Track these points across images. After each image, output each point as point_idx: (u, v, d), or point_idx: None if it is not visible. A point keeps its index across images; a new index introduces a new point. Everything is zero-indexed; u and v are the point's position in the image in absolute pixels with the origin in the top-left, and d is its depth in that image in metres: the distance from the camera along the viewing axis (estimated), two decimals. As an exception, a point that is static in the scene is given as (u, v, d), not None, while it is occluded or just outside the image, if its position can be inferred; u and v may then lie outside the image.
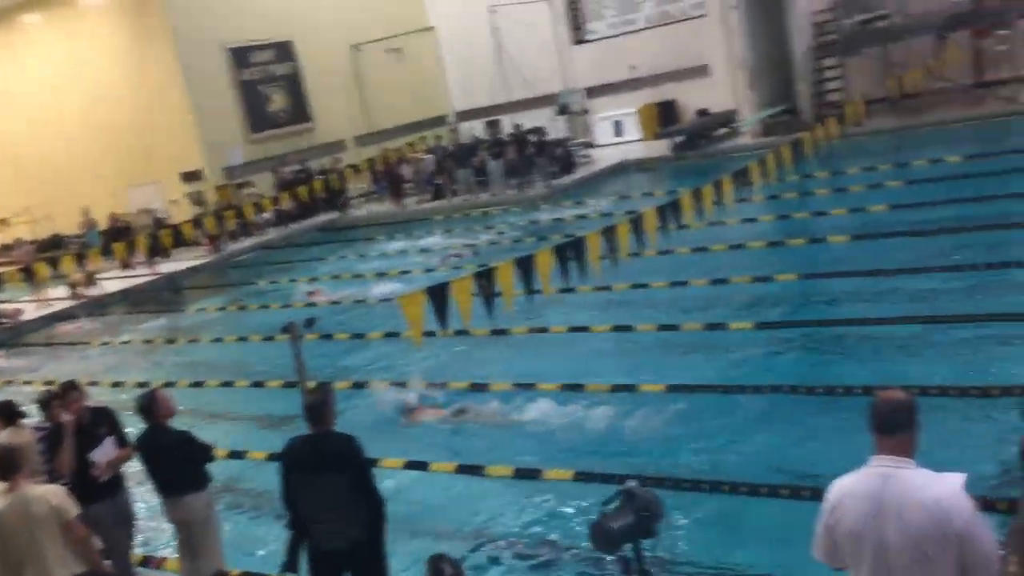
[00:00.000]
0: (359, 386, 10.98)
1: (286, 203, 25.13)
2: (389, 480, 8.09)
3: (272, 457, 7.76)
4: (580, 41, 28.79)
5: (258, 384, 11.81)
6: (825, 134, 14.97)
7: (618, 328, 11.13)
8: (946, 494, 3.36)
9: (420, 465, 8.34)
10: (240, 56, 26.92)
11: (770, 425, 7.94)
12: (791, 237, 13.90)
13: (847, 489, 3.57)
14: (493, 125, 29.41)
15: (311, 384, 7.20)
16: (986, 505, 5.10)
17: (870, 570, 3.48)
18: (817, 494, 3.79)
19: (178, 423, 6.59)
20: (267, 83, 27.65)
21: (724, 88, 25.82)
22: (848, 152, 18.50)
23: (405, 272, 16.94)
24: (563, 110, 28.37)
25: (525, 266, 8.91)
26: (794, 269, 12.15)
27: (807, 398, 8.08)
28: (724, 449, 7.66)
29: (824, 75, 23.69)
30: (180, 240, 24.32)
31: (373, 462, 7.70)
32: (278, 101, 27.91)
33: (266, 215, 25.24)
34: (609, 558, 5.44)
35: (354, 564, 5.40)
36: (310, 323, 8.23)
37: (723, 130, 25.09)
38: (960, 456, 6.31)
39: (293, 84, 28.19)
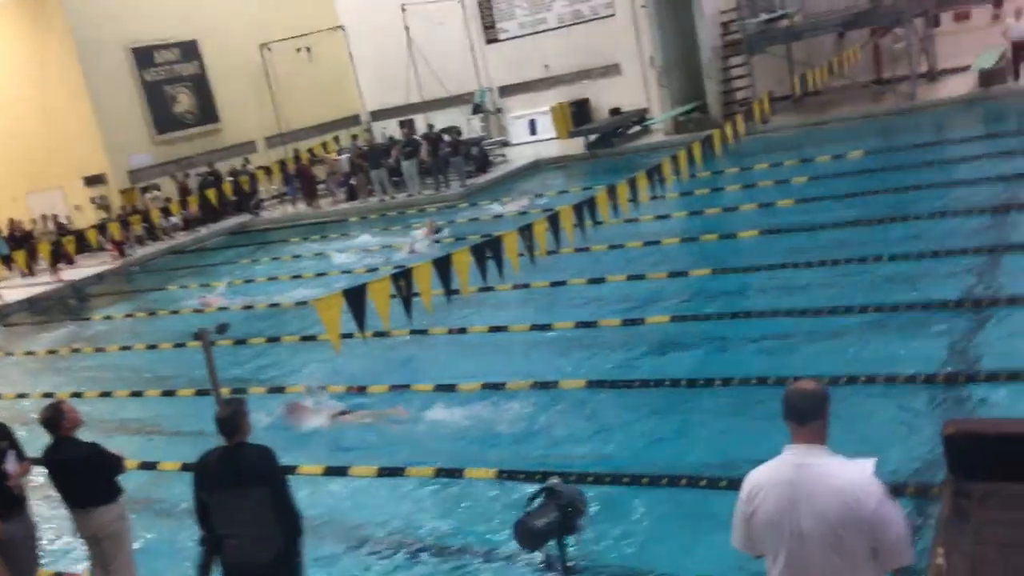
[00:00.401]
0: (276, 391, 10.77)
1: (195, 206, 24.53)
2: (308, 486, 7.98)
3: (186, 468, 7.55)
4: (492, 40, 28.84)
5: (169, 393, 11.49)
6: (733, 131, 15.31)
7: (537, 326, 11.18)
8: (857, 480, 3.45)
9: (340, 470, 8.22)
10: (143, 56, 26.17)
11: (688, 417, 8.07)
12: (704, 233, 14.17)
13: (763, 478, 3.64)
14: (407, 125, 29.23)
15: (224, 392, 7.03)
16: (895, 490, 5.27)
17: (787, 557, 3.55)
18: (735, 484, 3.86)
19: (86, 435, 6.36)
20: (172, 83, 26.93)
21: (635, 86, 26.23)
22: (756, 149, 18.97)
23: (321, 275, 16.70)
24: (477, 109, 28.38)
25: (443, 267, 8.87)
26: (707, 264, 12.40)
27: (723, 390, 8.24)
28: (644, 443, 7.75)
29: (731, 73, 24.27)
30: (84, 246, 23.56)
31: (291, 469, 7.60)
32: (184, 102, 27.21)
33: (174, 219, 24.58)
34: (533, 555, 5.46)
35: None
36: (222, 329, 8.01)
37: (635, 128, 25.46)
38: (869, 442, 6.53)
39: (200, 84, 27.52)
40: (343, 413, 9.53)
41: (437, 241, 17.49)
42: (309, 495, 7.93)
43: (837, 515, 3.41)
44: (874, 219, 12.48)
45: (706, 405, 8.15)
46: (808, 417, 3.55)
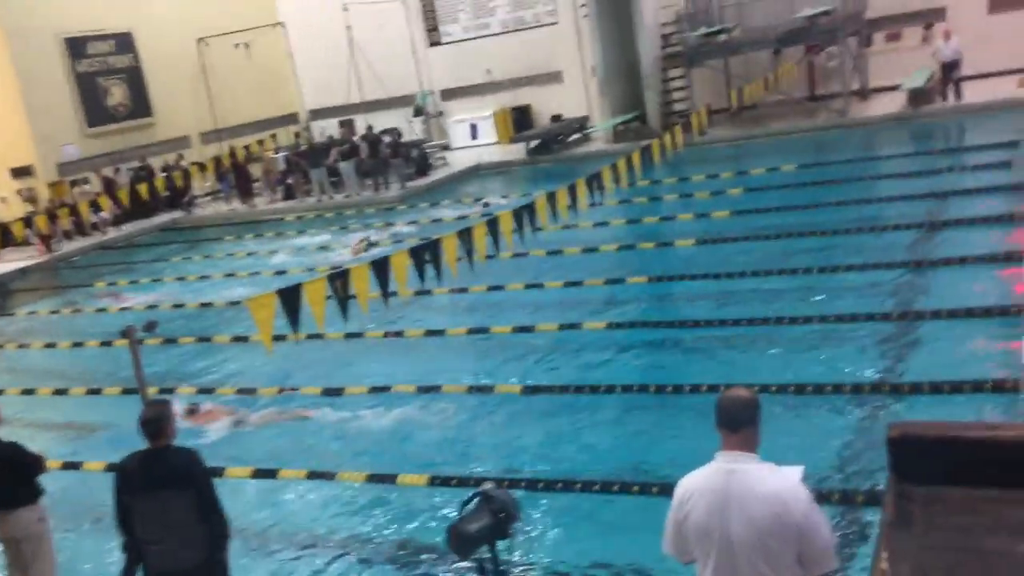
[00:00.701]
0: (206, 392, 10.56)
1: (126, 201, 23.93)
2: (236, 490, 7.83)
3: (110, 468, 7.34)
4: (435, 43, 28.77)
5: (94, 391, 11.16)
6: (672, 142, 15.49)
7: (474, 330, 11.16)
8: (785, 487, 3.51)
9: (268, 473, 8.09)
10: (76, 47, 25.45)
11: (623, 424, 8.13)
12: (641, 241, 14.31)
13: (695, 484, 3.67)
14: (347, 125, 28.95)
15: (152, 392, 6.86)
16: (821, 497, 5.38)
17: (716, 563, 3.59)
18: (666, 490, 3.89)
19: (6, 434, 6.15)
20: (106, 75, 26.24)
21: (577, 94, 26.40)
22: (693, 160, 19.24)
23: (255, 274, 16.44)
24: (418, 112, 28.27)
25: (380, 268, 8.78)
26: (645, 272, 12.53)
27: (657, 397, 8.32)
28: (579, 448, 7.79)
29: (671, 85, 24.60)
30: (9, 240, 22.84)
31: (218, 472, 7.45)
32: (117, 94, 26.54)
33: (104, 214, 23.95)
34: (465, 561, 5.43)
35: None
36: (151, 327, 7.86)
37: (576, 135, 25.63)
38: (798, 450, 6.65)
39: (134, 77, 26.87)
40: (240, 421, 9.41)
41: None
42: (236, 499, 7.80)
43: (765, 521, 3.46)
44: (807, 231, 12.74)
45: (641, 411, 8.22)
46: (739, 424, 3.59)
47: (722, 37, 22.39)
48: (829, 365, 8.42)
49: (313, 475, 7.93)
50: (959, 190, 13.48)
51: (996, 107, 18.90)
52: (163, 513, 4.97)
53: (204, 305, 14.89)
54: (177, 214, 25.24)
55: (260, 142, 27.78)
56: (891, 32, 23.41)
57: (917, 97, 20.23)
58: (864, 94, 22.88)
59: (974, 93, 19.84)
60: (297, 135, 28.00)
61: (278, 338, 8.37)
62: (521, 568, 5.95)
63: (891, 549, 1.84)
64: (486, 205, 19.11)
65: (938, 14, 22.46)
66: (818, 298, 10.22)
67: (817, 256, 11.64)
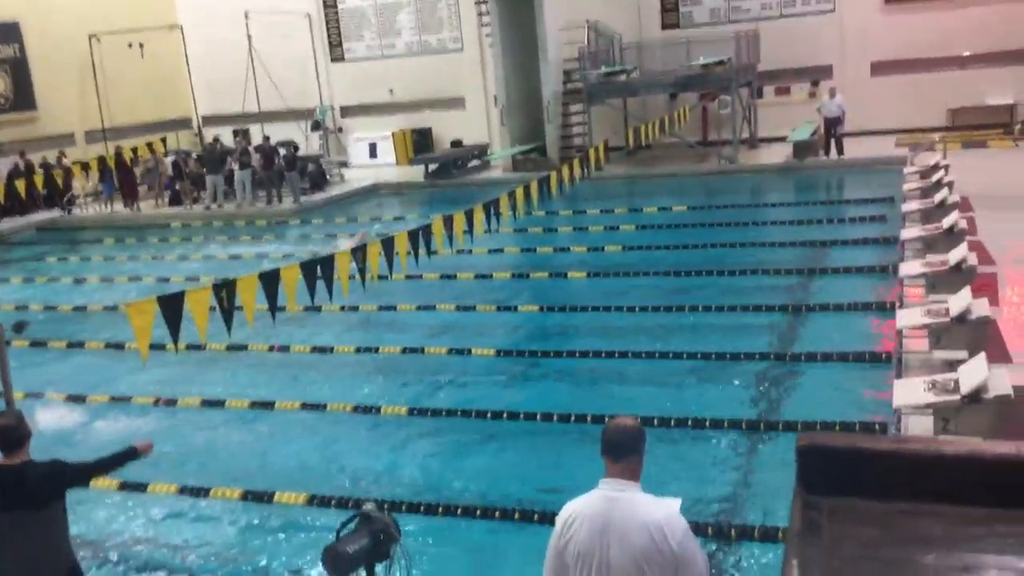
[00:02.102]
0: (76, 400, 10.07)
1: (1, 196, 22.69)
2: (101, 504, 7.49)
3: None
4: (338, 59, 28.53)
5: (-49, 395, 10.49)
6: (569, 175, 15.74)
7: (363, 349, 11.02)
8: (664, 517, 3.57)
9: (138, 487, 7.75)
10: (-43, 31, 24.20)
11: (507, 450, 8.14)
12: (535, 270, 14.45)
13: (577, 511, 3.70)
14: (242, 134, 28.32)
15: (17, 398, 6.49)
16: (697, 528, 5.49)
17: (594, 589, 3.61)
18: (547, 518, 3.92)
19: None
20: (-14, 63, 25.01)
21: (478, 121, 26.59)
22: (589, 194, 19.59)
23: (135, 279, 15.84)
24: (317, 126, 27.91)
25: (270, 281, 8.56)
26: (536, 301, 12.64)
27: (542, 424, 8.37)
28: (462, 473, 7.75)
29: (571, 120, 25.05)
30: None
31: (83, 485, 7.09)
32: (-1, 84, 25.32)
33: (-25, 208, 22.69)
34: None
35: None
36: (20, 328, 7.45)
37: (475, 162, 25.78)
38: (677, 481, 6.80)
39: (18, 68, 25.68)
40: None
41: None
42: (100, 513, 7.45)
43: (642, 548, 3.51)
44: (693, 271, 13.12)
45: (525, 439, 8.25)
46: (624, 454, 3.64)
47: (622, 78, 22.97)
48: (709, 400, 8.65)
49: (185, 491, 7.64)
50: (837, 240, 14.14)
51: (874, 164, 19.96)
52: (27, 533, 4.60)
53: (78, 309, 14.24)
54: (55, 213, 24.13)
55: (149, 144, 26.84)
56: (781, 86, 24.53)
57: (802, 149, 21.19)
58: (753, 143, 23.84)
59: (855, 149, 20.91)
60: (201, 139, 27.19)
61: (156, 347, 8.06)
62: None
63: (800, 557, 1.89)
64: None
65: (825, 72, 23.67)
66: (702, 334, 10.50)
67: (702, 294, 11.98)
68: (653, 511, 3.58)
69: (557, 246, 16.12)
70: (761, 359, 9.56)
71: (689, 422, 7.97)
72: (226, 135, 28.12)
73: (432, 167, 24.84)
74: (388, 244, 10.28)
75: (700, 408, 8.32)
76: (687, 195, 19.38)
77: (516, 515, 6.70)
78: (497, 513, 6.78)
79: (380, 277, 10.48)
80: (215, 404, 9.56)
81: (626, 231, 16.46)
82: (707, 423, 7.99)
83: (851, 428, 7.36)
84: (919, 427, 6.71)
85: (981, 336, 7.78)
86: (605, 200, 19.44)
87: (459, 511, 6.89)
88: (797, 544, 1.98)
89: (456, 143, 26.61)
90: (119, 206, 24.40)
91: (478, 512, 6.83)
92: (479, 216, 12.13)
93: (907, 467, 2.03)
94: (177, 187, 23.93)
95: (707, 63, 21.82)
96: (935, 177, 14.10)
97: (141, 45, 27.09)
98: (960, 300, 7.96)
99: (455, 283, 13.76)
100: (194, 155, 24.80)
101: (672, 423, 7.96)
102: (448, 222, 11.44)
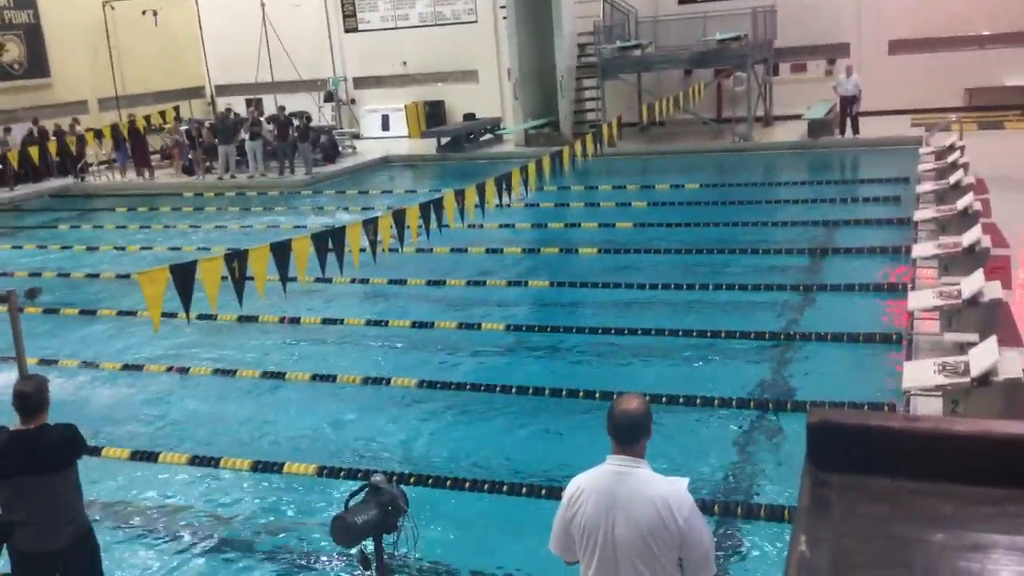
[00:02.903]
0: (89, 366, 10.16)
1: (16, 163, 22.78)
2: (114, 472, 7.57)
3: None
4: (351, 30, 28.39)
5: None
6: (582, 150, 15.68)
7: (373, 322, 11.06)
8: (671, 493, 3.59)
9: (149, 455, 7.82)
10: (-29, -2, 24.18)
11: (515, 425, 8.17)
12: (545, 246, 14.43)
13: (584, 485, 3.72)
14: (254, 104, 28.27)
15: (31, 363, 6.54)
16: (703, 507, 5.52)
17: (599, 563, 3.65)
18: (554, 493, 3.94)
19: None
20: (2, 31, 24.97)
21: (491, 95, 26.47)
22: (601, 170, 19.52)
23: (147, 248, 15.91)
24: (330, 98, 27.83)
25: (281, 252, 8.58)
26: (546, 276, 12.64)
27: (551, 399, 8.40)
28: (471, 446, 7.79)
29: (584, 95, 24.90)
30: None
31: (96, 451, 7.18)
32: (13, 51, 25.31)
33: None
34: (349, 552, 5.37)
35: (68, 565, 4.91)
36: (33, 293, 7.49)
37: (488, 135, 25.68)
38: (684, 459, 6.82)
39: (32, 35, 25.68)
40: None
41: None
42: (114, 480, 7.53)
43: (648, 524, 3.53)
44: (704, 249, 13.08)
45: (535, 414, 8.28)
46: (632, 431, 3.66)
47: (636, 52, 22.79)
48: (717, 378, 8.65)
49: (195, 460, 7.71)
50: (850, 220, 14.06)
51: (889, 144, 19.80)
52: (41, 494, 4.72)
53: (91, 276, 14.32)
54: (69, 181, 24.19)
55: (162, 113, 26.86)
56: (797, 63, 24.31)
57: (817, 128, 21.03)
58: (768, 121, 23.66)
59: (870, 129, 20.74)
60: (214, 108, 27.17)
61: (167, 316, 8.11)
62: (406, 562, 5.91)
63: (808, 532, 1.90)
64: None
65: (842, 50, 23.44)
66: (713, 313, 10.49)
67: (713, 272, 11.96)
68: (660, 487, 3.60)
69: (568, 222, 16.08)
70: (771, 338, 9.54)
71: (697, 400, 7.98)
72: (239, 105, 28.07)
73: (444, 140, 24.76)
74: (399, 217, 10.28)
75: (709, 386, 8.32)
76: (700, 172, 19.28)
77: (524, 489, 6.74)
78: (505, 487, 6.82)
79: (391, 250, 10.51)
80: (226, 373, 9.63)
81: (638, 208, 16.40)
82: (715, 401, 8.00)
83: (860, 409, 7.35)
84: (928, 409, 6.70)
85: (993, 319, 7.74)
86: (617, 176, 19.37)
87: (467, 484, 6.93)
88: (806, 520, 1.98)
89: (469, 116, 26.51)
90: (132, 174, 24.44)
91: (486, 486, 6.87)
92: (491, 190, 12.11)
93: (918, 445, 2.03)
94: (190, 156, 23.94)
95: (723, 39, 21.62)
96: (950, 158, 13.98)
97: (155, 13, 27.02)
98: (972, 282, 7.92)
99: (466, 257, 13.76)
100: (207, 124, 24.77)
101: (680, 400, 7.97)
102: (459, 195, 11.42)
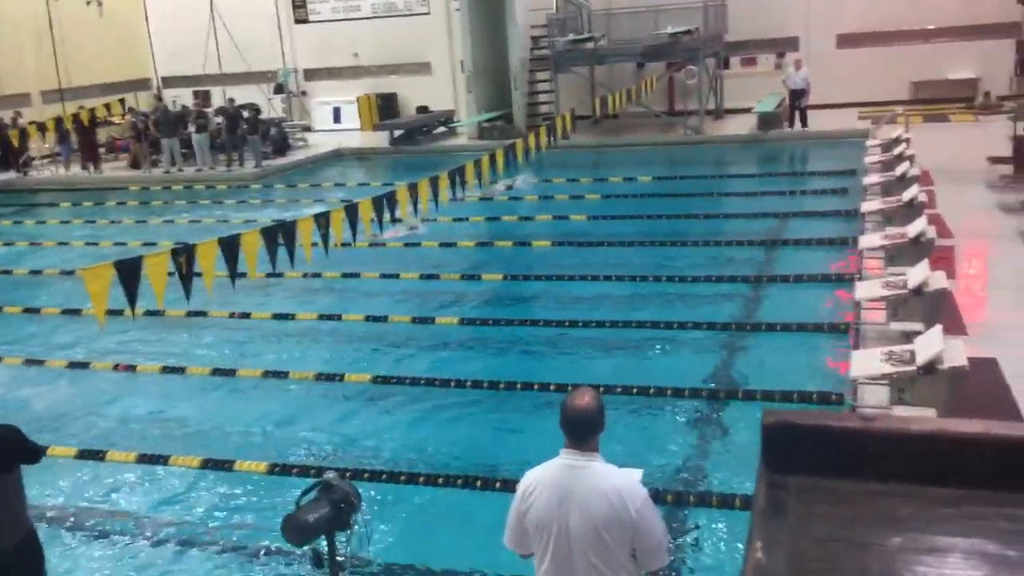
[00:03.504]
0: (33, 363, 9.92)
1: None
2: (61, 471, 7.41)
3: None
4: (302, 20, 28.05)
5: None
6: (536, 143, 15.68)
7: (325, 317, 10.95)
8: (623, 484, 3.61)
9: (96, 455, 7.67)
10: (-96, -16, 23.42)
11: (469, 419, 8.15)
12: (499, 239, 14.41)
13: (538, 479, 3.72)
14: (202, 96, 27.83)
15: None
16: (656, 496, 5.55)
17: (553, 555, 3.65)
18: (508, 486, 3.93)
19: None
20: (-63, 20, 24.27)
21: (444, 88, 26.34)
22: (555, 163, 19.55)
23: (92, 244, 15.58)
24: (280, 89, 27.49)
25: (229, 247, 8.45)
26: (500, 269, 12.61)
27: (506, 393, 8.39)
28: (425, 441, 7.76)
29: (537, 87, 24.90)
30: None
31: (41, 451, 7.00)
32: (-50, 42, 24.59)
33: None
34: (300, 551, 5.31)
35: (11, 567, 4.80)
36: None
37: (441, 128, 25.57)
38: (637, 449, 6.86)
39: (-30, 24, 24.95)
40: None
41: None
42: (60, 480, 7.36)
43: (601, 515, 3.54)
44: (657, 241, 13.17)
45: (489, 408, 8.27)
46: (585, 424, 3.66)
47: (589, 45, 22.84)
48: (670, 369, 8.72)
49: (144, 459, 7.57)
50: (799, 212, 14.25)
51: (837, 136, 20.10)
52: None
53: (34, 273, 13.98)
54: (11, 175, 23.61)
55: (107, 106, 26.28)
56: (747, 57, 24.56)
57: (766, 121, 21.27)
58: (719, 114, 23.88)
59: (819, 122, 21.03)
60: (159, 99, 26.64)
61: (113, 313, 7.96)
62: (358, 560, 5.86)
63: (764, 538, 1.88)
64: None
65: (791, 44, 23.72)
66: (665, 304, 10.57)
67: (665, 264, 12.04)
68: (613, 479, 3.61)
69: (522, 215, 16.08)
70: (723, 328, 9.64)
71: (651, 390, 8.03)
72: (187, 97, 27.64)
73: (397, 133, 24.60)
74: (352, 210, 10.19)
75: (662, 377, 8.38)
76: (653, 165, 19.40)
77: (478, 483, 6.72)
78: (459, 481, 6.80)
79: (343, 244, 10.41)
80: (175, 371, 9.47)
81: (591, 200, 16.44)
82: (668, 391, 8.05)
83: (808, 398, 7.46)
84: (875, 398, 6.82)
85: (938, 308, 7.90)
86: (571, 169, 19.40)
87: (421, 479, 6.90)
88: (761, 524, 1.96)
89: (422, 109, 26.38)
90: (77, 168, 23.91)
91: (440, 480, 6.85)
92: (444, 183, 12.06)
93: (876, 446, 2.02)
94: (135, 150, 23.47)
95: (675, 32, 21.75)
96: (896, 150, 14.24)
97: (100, 3, 26.42)
98: (918, 273, 8.07)
99: (419, 251, 13.69)
100: (152, 118, 24.31)
101: (634, 391, 8.01)
102: (413, 189, 11.36)
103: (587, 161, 20.96)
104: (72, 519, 6.82)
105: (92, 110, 25.17)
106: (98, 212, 19.24)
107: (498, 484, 6.54)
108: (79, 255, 14.77)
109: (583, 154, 21.58)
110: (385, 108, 26.78)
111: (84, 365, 9.84)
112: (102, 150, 24.43)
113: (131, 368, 9.65)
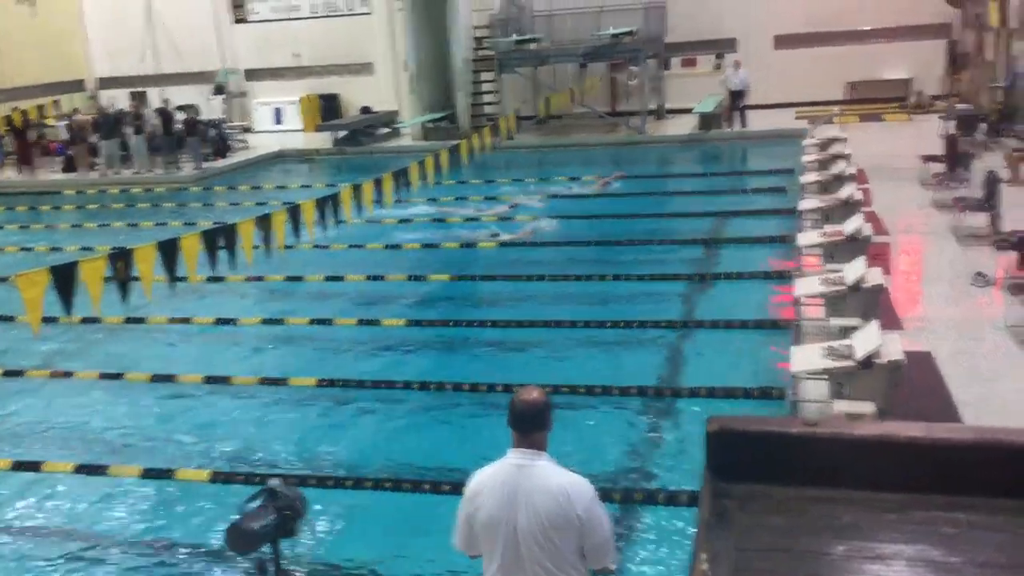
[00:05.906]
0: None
1: None
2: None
3: None
4: (241, 20, 27.65)
5: None
6: (480, 144, 15.67)
7: (269, 320, 10.81)
8: (570, 483, 3.62)
9: (30, 465, 7.46)
10: None
11: (416, 421, 8.11)
12: (445, 240, 14.37)
13: (485, 479, 3.72)
14: (138, 97, 27.27)
15: None
16: (604, 495, 5.58)
17: (502, 555, 3.65)
18: (458, 488, 3.90)
19: None
20: None
21: (387, 88, 26.19)
22: (499, 163, 19.56)
23: (26, 250, 15.16)
24: (219, 90, 27.06)
25: (168, 251, 8.29)
26: (446, 270, 12.58)
27: (453, 394, 8.37)
28: (372, 445, 7.70)
29: (481, 88, 24.89)
30: None
31: (-26, 463, 6.81)
32: None
33: None
34: (245, 559, 5.23)
35: None
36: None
37: (385, 129, 25.41)
38: (584, 448, 6.90)
39: None
40: None
41: None
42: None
43: (549, 514, 3.55)
44: (601, 240, 13.25)
45: (436, 409, 8.24)
46: (532, 424, 3.67)
47: (532, 46, 22.90)
48: (615, 368, 8.78)
49: (81, 469, 7.39)
50: (740, 210, 14.46)
51: (775, 136, 20.44)
52: None
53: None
54: (-62, 178, 22.91)
55: (40, 107, 25.62)
56: (687, 58, 24.86)
57: (707, 121, 21.55)
58: (660, 114, 24.13)
59: (758, 122, 21.37)
60: (94, 100, 26.01)
61: (49, 320, 7.75)
62: (305, 567, 5.80)
63: (710, 550, 1.87)
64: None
65: (730, 44, 24.07)
66: (610, 303, 10.64)
67: (609, 264, 12.12)
68: (560, 478, 3.62)
69: (467, 216, 16.06)
70: (667, 327, 9.74)
71: (597, 389, 8.07)
72: (123, 98, 27.05)
73: (340, 134, 24.39)
74: (294, 212, 10.08)
75: (607, 376, 8.43)
76: (596, 165, 19.52)
77: (426, 486, 6.69)
78: (407, 484, 6.76)
79: (286, 247, 10.29)
80: (113, 377, 9.25)
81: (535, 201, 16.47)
82: (614, 390, 8.11)
83: (750, 394, 7.57)
84: (815, 392, 6.95)
85: (874, 304, 8.07)
86: (515, 169, 19.43)
87: (368, 484, 6.84)
88: (706, 536, 1.96)
89: (365, 110, 26.19)
90: (11, 172, 23.26)
91: (388, 484, 6.80)
92: (388, 185, 11.99)
93: (820, 452, 2.02)
94: (71, 152, 22.91)
95: (616, 33, 21.92)
96: (833, 150, 14.52)
97: (32, 2, 25.73)
98: (855, 269, 8.24)
99: (364, 253, 13.58)
100: (89, 119, 23.77)
101: (581, 390, 8.04)
102: (357, 190, 11.28)
103: (531, 161, 21.03)
104: (6, 533, 6.63)
105: (25, 112, 24.50)
106: (32, 216, 18.74)
107: (446, 486, 6.51)
108: (13, 261, 14.35)
109: (527, 154, 21.63)
110: (328, 109, 26.55)
111: (19, 373, 9.56)
112: (35, 152, 23.76)
113: (68, 375, 9.41)
